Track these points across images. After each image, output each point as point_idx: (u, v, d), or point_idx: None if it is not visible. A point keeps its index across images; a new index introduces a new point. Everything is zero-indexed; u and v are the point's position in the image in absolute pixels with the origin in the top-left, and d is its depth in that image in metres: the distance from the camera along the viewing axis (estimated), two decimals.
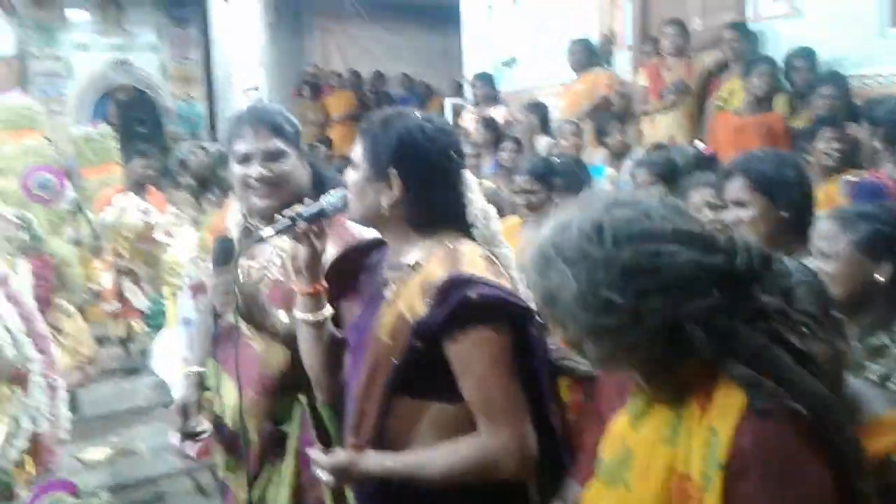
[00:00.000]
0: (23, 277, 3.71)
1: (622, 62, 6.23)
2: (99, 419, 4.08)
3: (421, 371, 1.46)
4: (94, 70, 9.97)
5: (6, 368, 3.11)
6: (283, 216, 1.61)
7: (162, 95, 10.42)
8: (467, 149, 5.33)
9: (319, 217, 1.62)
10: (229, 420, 1.94)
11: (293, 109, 9.81)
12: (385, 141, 1.54)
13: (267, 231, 1.65)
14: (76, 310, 4.15)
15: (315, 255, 1.62)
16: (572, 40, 6.05)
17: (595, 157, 5.26)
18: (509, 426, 1.44)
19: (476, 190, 1.62)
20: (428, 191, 1.54)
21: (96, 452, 3.52)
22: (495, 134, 5.79)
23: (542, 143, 5.78)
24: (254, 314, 1.82)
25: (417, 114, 1.60)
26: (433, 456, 1.48)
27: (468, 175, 1.61)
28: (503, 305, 1.44)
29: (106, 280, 4.81)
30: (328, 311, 1.66)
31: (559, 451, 1.58)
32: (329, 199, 1.62)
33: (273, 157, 1.90)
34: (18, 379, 3.16)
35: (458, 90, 8.92)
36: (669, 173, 3.66)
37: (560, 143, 5.37)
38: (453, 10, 7.92)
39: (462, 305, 1.42)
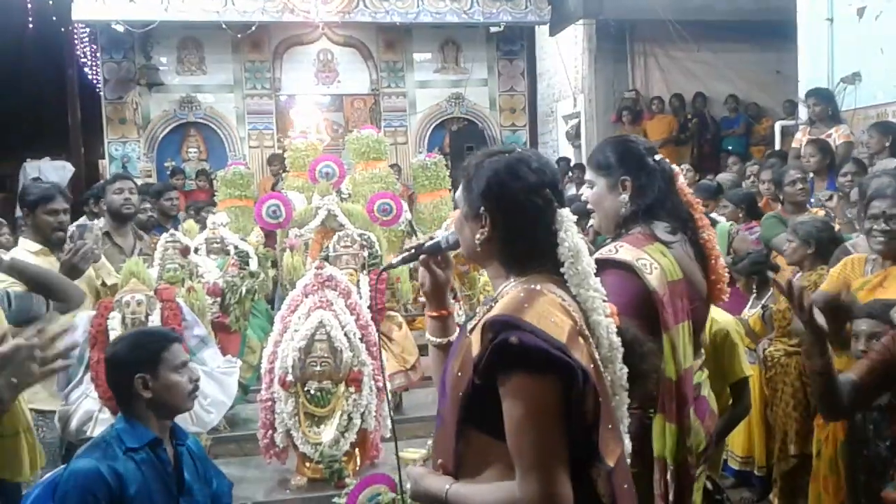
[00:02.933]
0: (362, 290, 4.22)
1: None
2: (418, 421, 4.46)
3: (486, 407, 1.46)
4: (433, 104, 10.98)
5: (345, 370, 3.57)
6: (409, 248, 1.81)
7: (490, 125, 11.12)
8: (797, 173, 4.92)
9: (437, 251, 1.75)
10: None
11: (612, 135, 9.93)
12: (477, 181, 1.60)
13: (394, 260, 1.86)
14: (403, 320, 4.60)
15: (437, 284, 1.77)
16: None
17: None
18: (537, 480, 1.41)
19: (571, 229, 1.57)
20: (515, 229, 1.58)
21: (415, 453, 3.84)
22: (829, 157, 5.27)
23: (891, 165, 5.13)
24: None
25: (516, 151, 1.63)
26: (475, 492, 1.50)
27: (564, 213, 1.59)
28: (545, 356, 1.40)
29: None
30: (454, 336, 1.75)
31: None
32: (446, 235, 1.74)
33: None
34: (354, 380, 3.60)
35: (792, 110, 8.28)
36: None
37: None
38: (788, 25, 7.38)
39: (499, 349, 1.42)
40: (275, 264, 5.44)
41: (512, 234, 1.58)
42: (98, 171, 11.91)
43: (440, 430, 1.63)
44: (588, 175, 2.35)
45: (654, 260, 2.08)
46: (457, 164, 9.40)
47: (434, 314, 1.81)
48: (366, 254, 4.50)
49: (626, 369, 1.59)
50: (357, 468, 3.58)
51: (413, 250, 1.80)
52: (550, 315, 1.46)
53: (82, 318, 3.44)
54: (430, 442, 3.87)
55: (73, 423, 3.28)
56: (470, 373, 1.48)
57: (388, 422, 3.71)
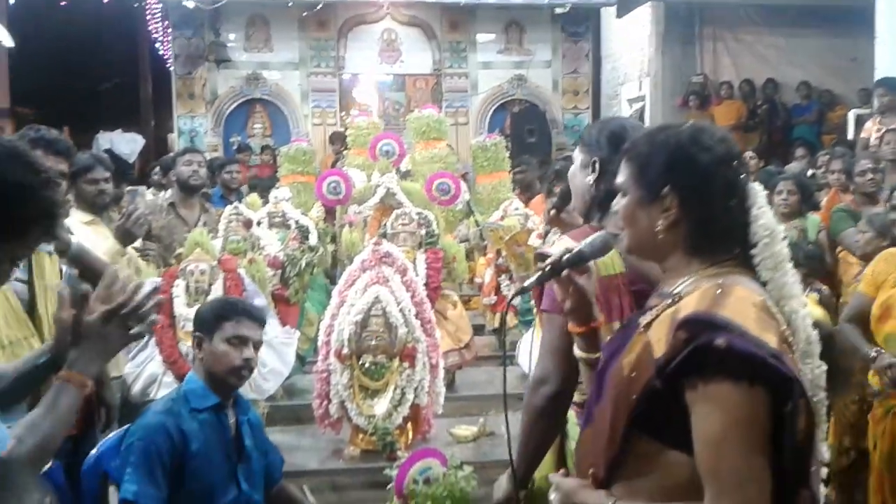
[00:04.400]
0: (418, 268, 4.26)
1: None
2: (471, 400, 4.51)
3: (663, 413, 1.29)
4: (495, 85, 10.93)
5: (399, 346, 3.62)
6: (541, 267, 1.56)
7: (552, 108, 11.02)
8: (869, 163, 4.76)
9: (580, 262, 1.54)
10: None
11: (678, 120, 9.75)
12: (655, 159, 1.41)
13: (528, 282, 1.59)
14: (459, 300, 4.63)
15: (583, 297, 1.56)
16: None
17: None
18: None
19: (765, 205, 1.40)
20: (708, 207, 1.38)
21: (466, 430, 3.89)
22: None
23: None
24: None
25: (688, 125, 1.45)
26: None
27: (756, 187, 1.41)
28: (757, 364, 1.21)
29: (487, 275, 5.28)
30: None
31: None
32: (589, 240, 1.55)
33: None
34: (408, 356, 3.65)
35: (867, 99, 8.00)
36: None
37: None
38: (865, 11, 7.11)
39: (702, 351, 1.23)
40: (334, 240, 5.53)
41: (704, 214, 1.39)
42: (167, 144, 12.23)
43: (588, 434, 1.47)
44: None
45: None
46: (517, 147, 9.36)
47: (582, 330, 1.59)
48: (423, 232, 4.53)
49: (824, 366, 1.40)
50: (409, 442, 3.63)
51: (550, 267, 1.55)
52: (755, 315, 1.28)
53: (148, 284, 3.55)
54: (481, 419, 3.92)
55: (138, 386, 3.41)
56: (648, 374, 1.30)
57: (441, 398, 3.76)
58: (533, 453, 1.95)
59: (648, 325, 1.37)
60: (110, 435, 2.62)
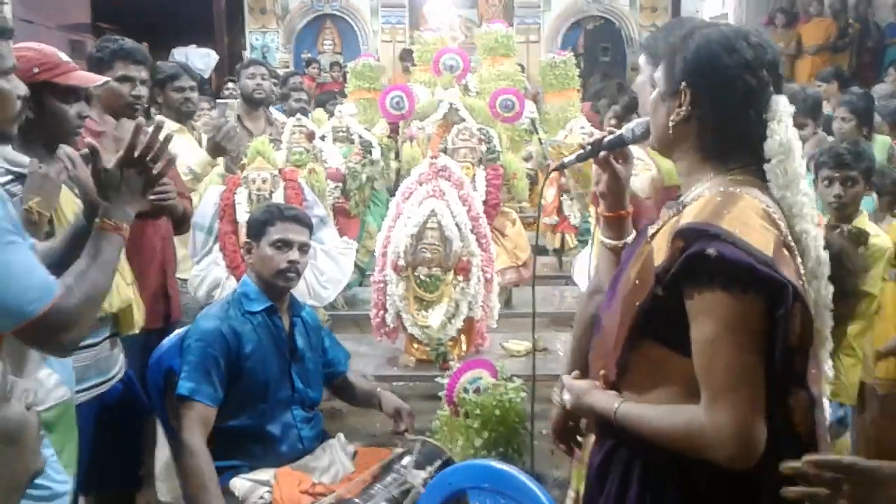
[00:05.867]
0: (478, 184, 4.25)
1: None
2: (526, 317, 4.54)
3: (668, 319, 1.32)
4: (569, 1, 10.56)
5: (454, 259, 3.65)
6: (584, 146, 1.62)
7: (628, 25, 10.62)
8: None
9: (619, 145, 1.59)
10: None
11: None
12: (681, 54, 1.40)
13: (568, 159, 1.68)
14: (518, 218, 4.62)
15: (617, 181, 1.61)
16: None
17: None
18: (729, 407, 1.25)
19: (786, 121, 1.35)
20: (721, 110, 1.37)
21: (519, 345, 3.93)
22: None
23: None
24: None
25: (730, 25, 1.42)
26: (651, 414, 1.36)
27: (780, 100, 1.37)
28: (748, 271, 1.23)
29: (549, 195, 5.24)
30: (632, 237, 1.62)
31: (795, 448, 1.30)
32: (631, 126, 1.57)
33: None
34: (462, 269, 3.68)
35: None
36: None
37: None
38: None
39: (693, 259, 1.26)
40: (398, 155, 5.54)
41: (714, 116, 1.38)
42: (240, 61, 12.35)
43: (600, 338, 1.52)
44: None
45: (652, 161, 1.95)
46: (590, 66, 9.10)
47: (610, 214, 1.64)
48: (484, 148, 4.49)
49: (831, 287, 1.41)
50: (462, 354, 3.70)
51: (590, 146, 1.61)
52: (752, 222, 1.29)
53: (212, 191, 3.67)
54: (536, 336, 3.94)
55: (203, 289, 3.55)
56: (651, 282, 1.34)
57: (495, 312, 3.79)
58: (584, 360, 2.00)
59: (654, 234, 1.42)
60: (174, 333, 2.75)
